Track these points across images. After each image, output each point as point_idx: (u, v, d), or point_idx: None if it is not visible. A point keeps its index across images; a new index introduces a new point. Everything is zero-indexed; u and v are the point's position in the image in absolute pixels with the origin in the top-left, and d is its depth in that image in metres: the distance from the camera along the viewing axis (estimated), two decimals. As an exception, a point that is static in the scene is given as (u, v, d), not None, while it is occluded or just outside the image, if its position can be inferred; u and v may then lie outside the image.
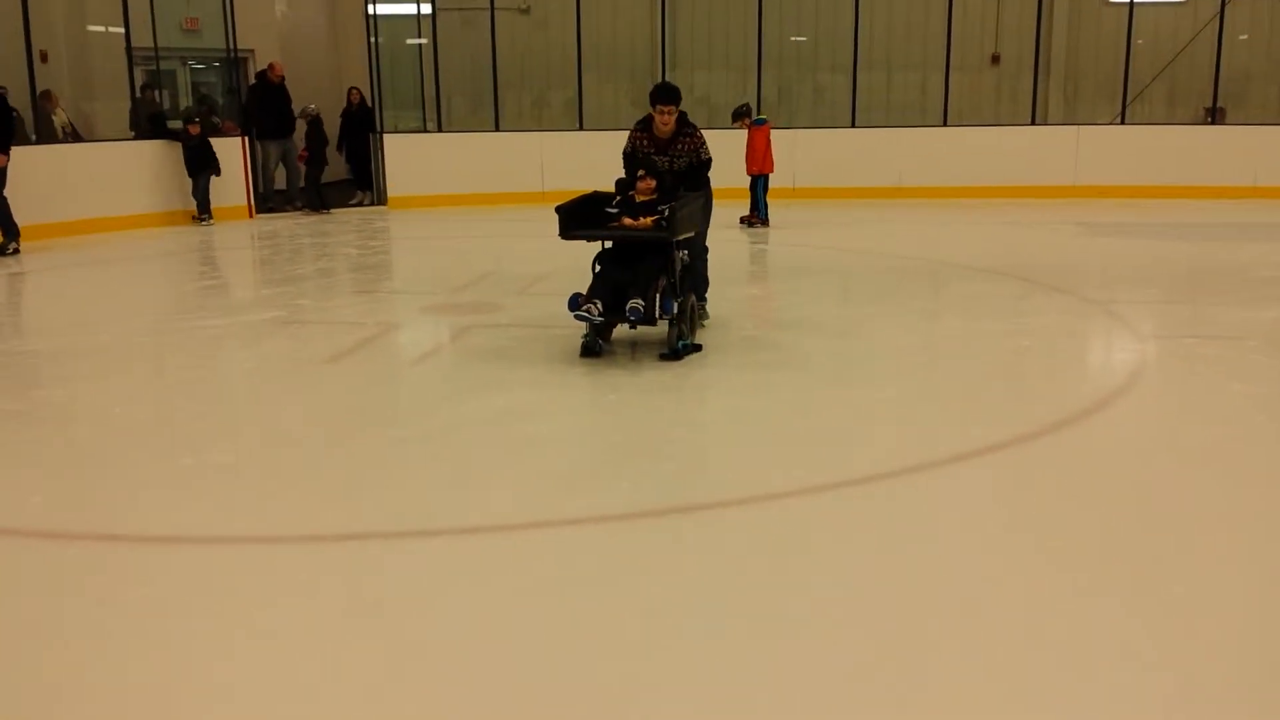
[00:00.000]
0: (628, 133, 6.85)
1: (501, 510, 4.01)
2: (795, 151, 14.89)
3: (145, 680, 2.87)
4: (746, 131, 12.21)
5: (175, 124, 15.93)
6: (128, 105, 13.19)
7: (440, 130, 15.30)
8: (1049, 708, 2.70)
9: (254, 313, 8.09)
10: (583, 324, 6.01)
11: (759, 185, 12.24)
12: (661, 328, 6.12)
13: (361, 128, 15.11)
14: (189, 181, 12.83)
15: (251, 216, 13.66)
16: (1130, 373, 6.04)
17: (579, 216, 6.19)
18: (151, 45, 13.63)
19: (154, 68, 14.62)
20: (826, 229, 12.37)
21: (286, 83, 14.30)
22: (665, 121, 6.60)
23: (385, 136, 14.74)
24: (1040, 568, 3.53)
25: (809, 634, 3.07)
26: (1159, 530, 3.84)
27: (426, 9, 15.39)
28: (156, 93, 14.62)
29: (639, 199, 6.32)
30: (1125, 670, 2.87)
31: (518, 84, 16.50)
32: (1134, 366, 6.18)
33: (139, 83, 13.60)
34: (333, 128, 15.48)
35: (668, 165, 6.69)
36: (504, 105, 15.30)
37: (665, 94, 6.62)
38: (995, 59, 16.76)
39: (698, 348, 6.22)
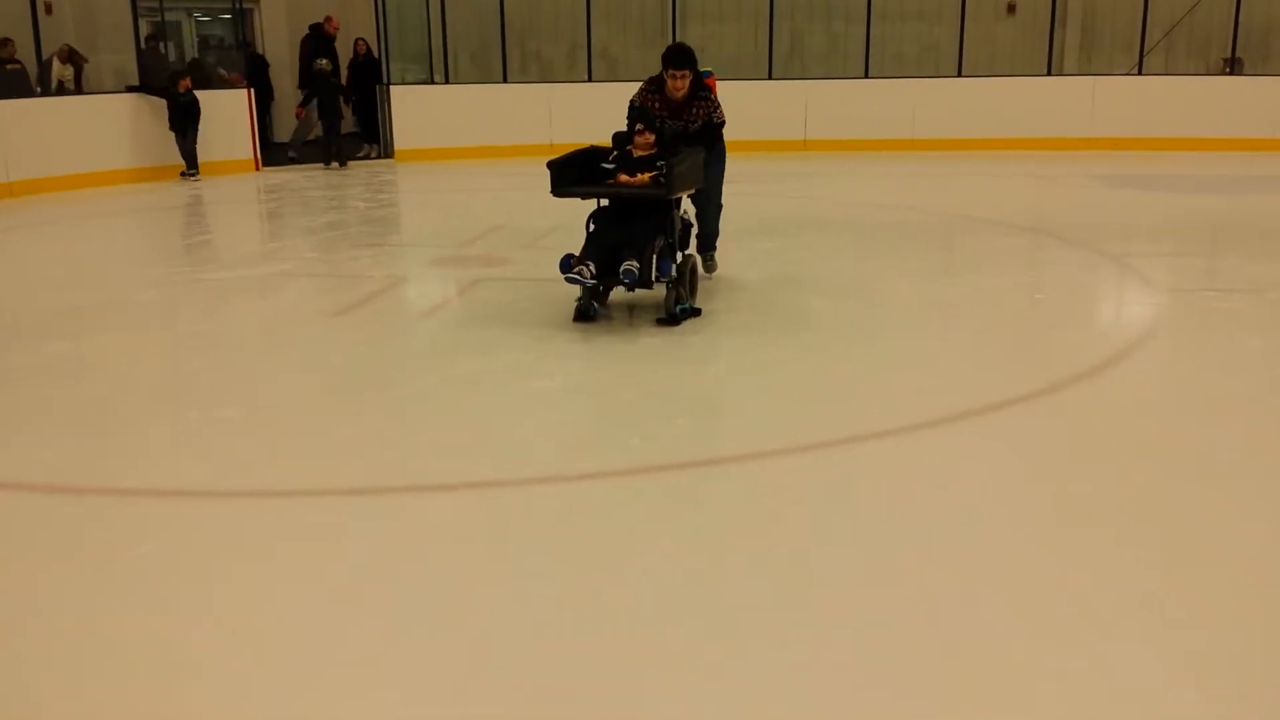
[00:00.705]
0: (639, 85, 6.59)
1: (512, 466, 3.97)
2: (807, 103, 14.73)
3: (148, 635, 2.85)
4: None
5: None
6: (133, 58, 13.02)
7: (447, 82, 15.12)
8: (1072, 666, 2.66)
9: (261, 266, 8.04)
10: (576, 286, 5.72)
11: None
12: (659, 291, 5.87)
13: (368, 79, 14.95)
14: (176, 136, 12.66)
15: (258, 169, 13.56)
16: (1147, 326, 5.96)
17: (573, 172, 5.89)
18: (156, -4, 13.53)
19: (159, 19, 14.48)
20: (837, 181, 12.24)
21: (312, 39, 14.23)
22: (678, 87, 6.24)
23: (392, 88, 14.59)
24: (1060, 522, 3.48)
25: (827, 591, 3.03)
26: (1180, 484, 3.79)
27: (434, -43, 15.16)
28: (162, 45, 14.49)
29: (637, 154, 5.95)
30: (1150, 626, 2.83)
31: (526, 35, 16.29)
32: (1150, 320, 6.10)
33: (144, 34, 13.46)
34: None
35: (682, 129, 6.41)
36: (511, 57, 15.13)
37: (678, 57, 6.22)
38: (1011, 8, 16.46)
39: (697, 312, 5.91)
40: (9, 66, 11.91)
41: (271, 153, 14.49)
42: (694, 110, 6.36)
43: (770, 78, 14.95)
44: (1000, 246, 8.39)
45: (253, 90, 13.67)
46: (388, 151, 14.79)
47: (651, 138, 5.96)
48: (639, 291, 5.95)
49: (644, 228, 5.69)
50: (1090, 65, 16.26)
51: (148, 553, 3.31)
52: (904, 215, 9.85)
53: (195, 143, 12.55)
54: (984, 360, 5.34)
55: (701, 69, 12.13)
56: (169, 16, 15.33)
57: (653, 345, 5.50)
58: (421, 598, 3.01)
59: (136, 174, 12.30)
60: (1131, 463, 3.98)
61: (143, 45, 13.23)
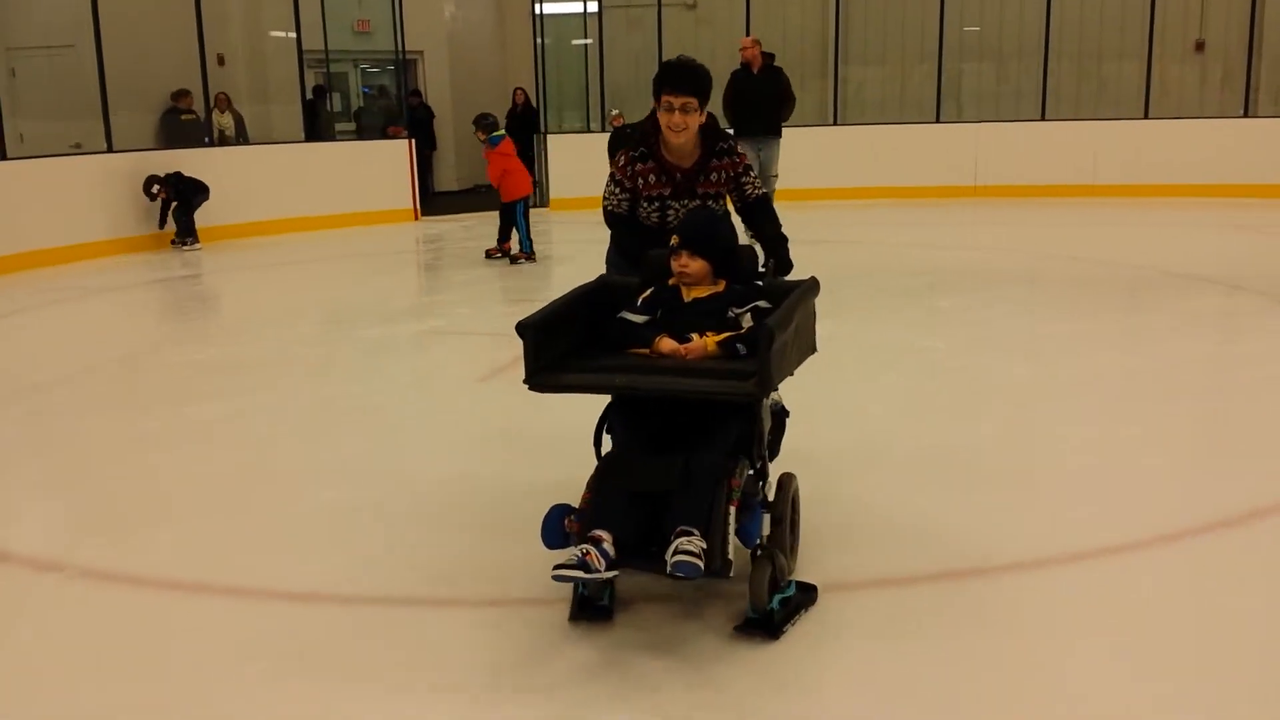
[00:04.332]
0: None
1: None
2: (978, 146, 14.01)
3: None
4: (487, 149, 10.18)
5: (347, 126, 16.17)
6: (299, 108, 13.26)
7: (604, 130, 14.94)
8: None
9: (413, 322, 7.84)
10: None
11: (520, 211, 10.08)
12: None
13: (527, 128, 14.93)
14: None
15: (416, 219, 13.57)
16: None
17: (568, 335, 3.19)
18: (323, 48, 13.75)
19: (325, 70, 14.77)
20: (1012, 230, 11.48)
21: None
22: (680, 126, 3.58)
23: (549, 137, 14.48)
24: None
25: None
26: None
27: (593, 7, 15.09)
28: (328, 95, 14.75)
29: (689, 295, 3.29)
30: None
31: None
32: None
33: (310, 85, 13.72)
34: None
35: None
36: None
37: (680, 75, 3.60)
38: (1199, 45, 15.41)
39: (810, 594, 3.17)
40: (184, 117, 12.25)
41: (432, 202, 14.54)
42: (712, 176, 3.73)
43: (938, 120, 14.30)
44: (1210, 307, 7.56)
45: (414, 140, 13.74)
46: (543, 201, 14.67)
47: (703, 265, 3.30)
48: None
49: (707, 447, 3.01)
50: (1289, 104, 15.07)
51: (262, 670, 2.95)
52: (1092, 269, 9.06)
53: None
54: (1235, 450, 4.61)
55: (495, 133, 10.38)
56: (335, 68, 15.63)
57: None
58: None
59: (307, 223, 12.38)
60: None
61: (309, 96, 13.46)
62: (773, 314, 3.02)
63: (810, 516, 3.52)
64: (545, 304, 3.15)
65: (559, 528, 2.96)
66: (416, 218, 13.61)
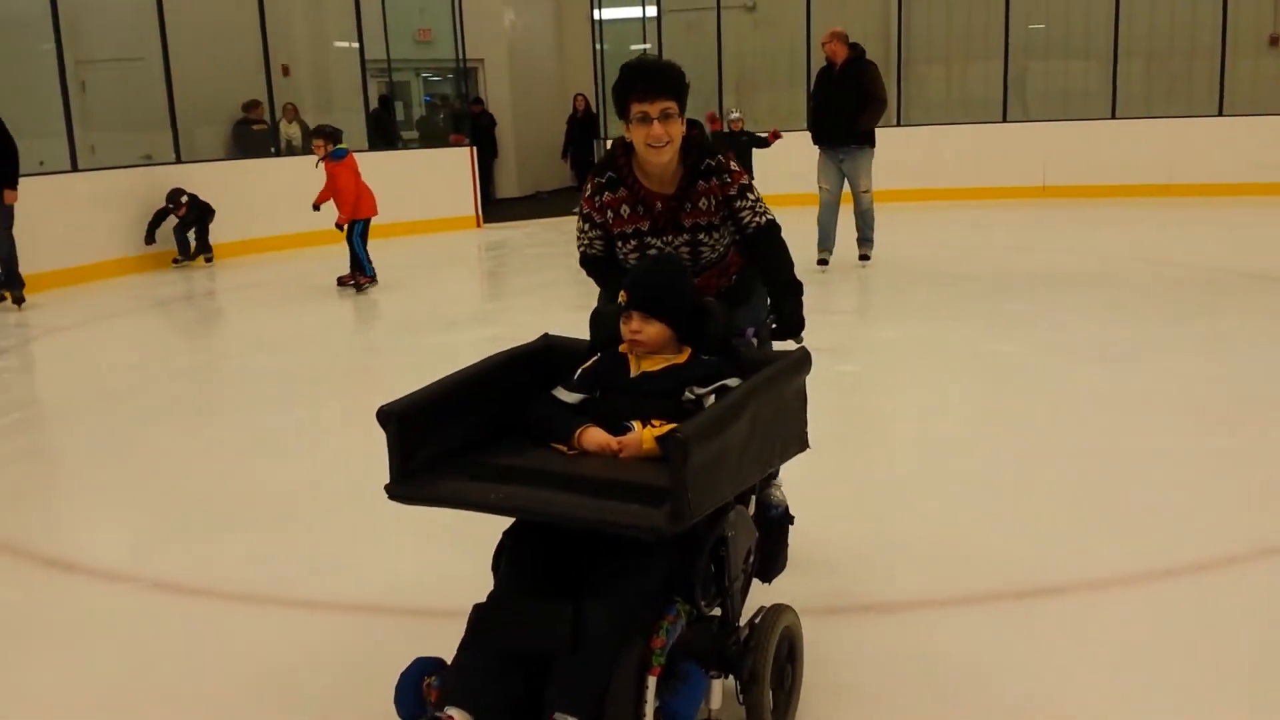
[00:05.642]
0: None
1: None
2: (1046, 146, 13.75)
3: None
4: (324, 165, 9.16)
5: (410, 135, 16.29)
6: (363, 117, 13.39)
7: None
8: None
9: (474, 330, 7.87)
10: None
11: (359, 232, 9.30)
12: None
13: (587, 134, 14.96)
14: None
15: (479, 226, 13.64)
16: None
17: (485, 413, 2.46)
18: (385, 58, 13.88)
19: (388, 79, 14.89)
20: (1082, 231, 11.23)
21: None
22: (662, 139, 2.80)
23: (609, 143, 14.47)
24: None
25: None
26: None
27: (652, 11, 15.06)
28: (391, 104, 14.89)
29: (638, 367, 2.51)
30: None
31: (743, 86, 15.95)
32: None
33: (375, 95, 13.84)
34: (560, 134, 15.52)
35: (686, 252, 2.98)
36: (728, 106, 14.81)
37: (651, 76, 2.84)
38: (1274, 40, 15.01)
39: None
40: (255, 127, 12.44)
41: (494, 209, 14.61)
42: (700, 202, 2.95)
43: (1005, 120, 14.07)
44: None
45: (475, 148, 13.80)
46: (604, 206, 14.66)
47: (661, 330, 2.51)
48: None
49: (613, 591, 2.17)
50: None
51: (327, 684, 2.95)
52: (1168, 271, 8.80)
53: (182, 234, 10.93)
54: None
55: (338, 147, 8.90)
56: (398, 77, 15.77)
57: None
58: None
59: (371, 231, 12.38)
60: None
61: (374, 106, 13.59)
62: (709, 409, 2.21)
63: (864, 529, 3.39)
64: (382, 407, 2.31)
65: (414, 693, 2.18)
66: (479, 225, 13.67)
